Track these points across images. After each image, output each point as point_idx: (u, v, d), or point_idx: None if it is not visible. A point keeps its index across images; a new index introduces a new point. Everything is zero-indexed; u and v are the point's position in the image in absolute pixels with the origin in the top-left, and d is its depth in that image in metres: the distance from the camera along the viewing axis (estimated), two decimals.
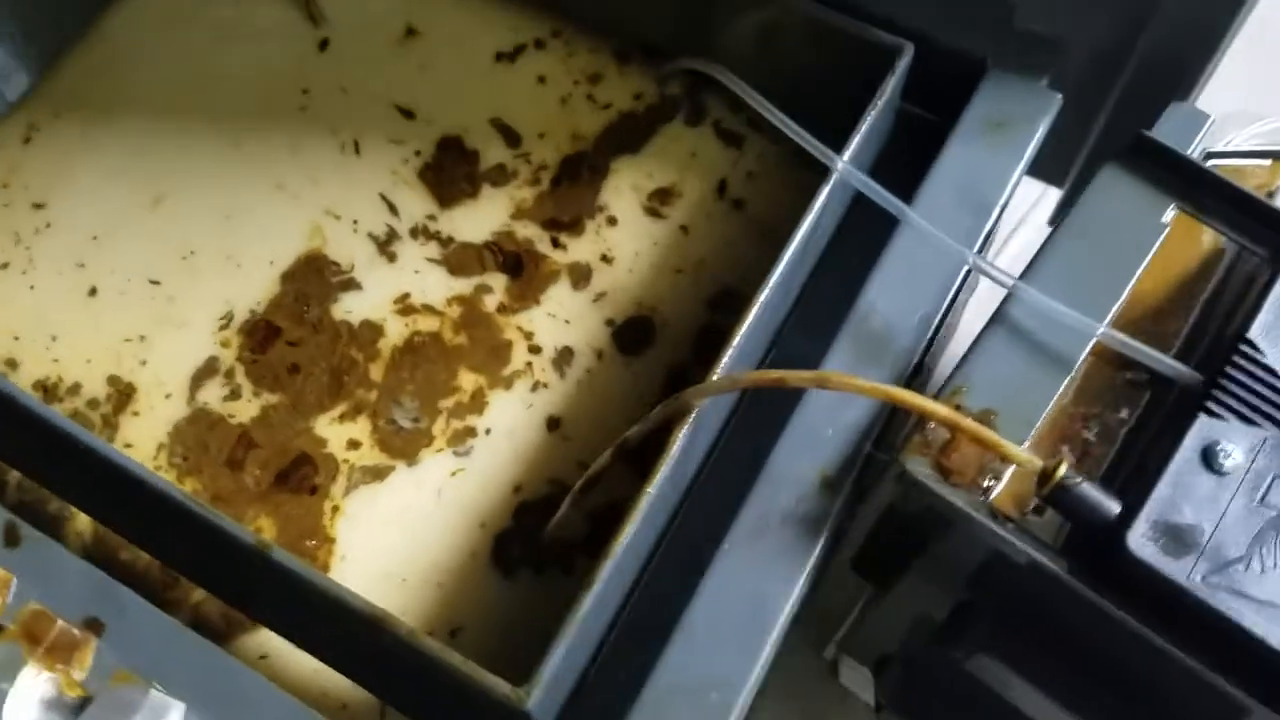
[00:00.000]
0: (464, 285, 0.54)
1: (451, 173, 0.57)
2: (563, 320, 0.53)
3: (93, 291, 0.54)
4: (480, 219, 0.56)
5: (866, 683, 0.83)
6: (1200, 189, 0.46)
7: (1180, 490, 0.38)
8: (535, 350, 0.53)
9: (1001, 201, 0.49)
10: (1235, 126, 0.55)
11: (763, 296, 0.45)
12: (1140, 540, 0.37)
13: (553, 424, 0.51)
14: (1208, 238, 0.48)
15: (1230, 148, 0.56)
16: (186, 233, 0.56)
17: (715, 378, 0.44)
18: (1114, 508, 0.38)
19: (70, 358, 0.53)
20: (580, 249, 0.55)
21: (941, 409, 0.40)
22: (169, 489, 0.41)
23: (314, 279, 0.54)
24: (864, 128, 0.48)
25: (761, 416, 0.47)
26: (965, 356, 0.43)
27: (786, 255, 0.46)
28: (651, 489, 0.41)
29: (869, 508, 0.47)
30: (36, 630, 0.37)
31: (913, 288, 0.47)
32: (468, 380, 0.52)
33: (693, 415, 0.43)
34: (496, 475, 0.50)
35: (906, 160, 0.52)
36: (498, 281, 0.54)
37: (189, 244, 0.55)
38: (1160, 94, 0.52)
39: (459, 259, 0.55)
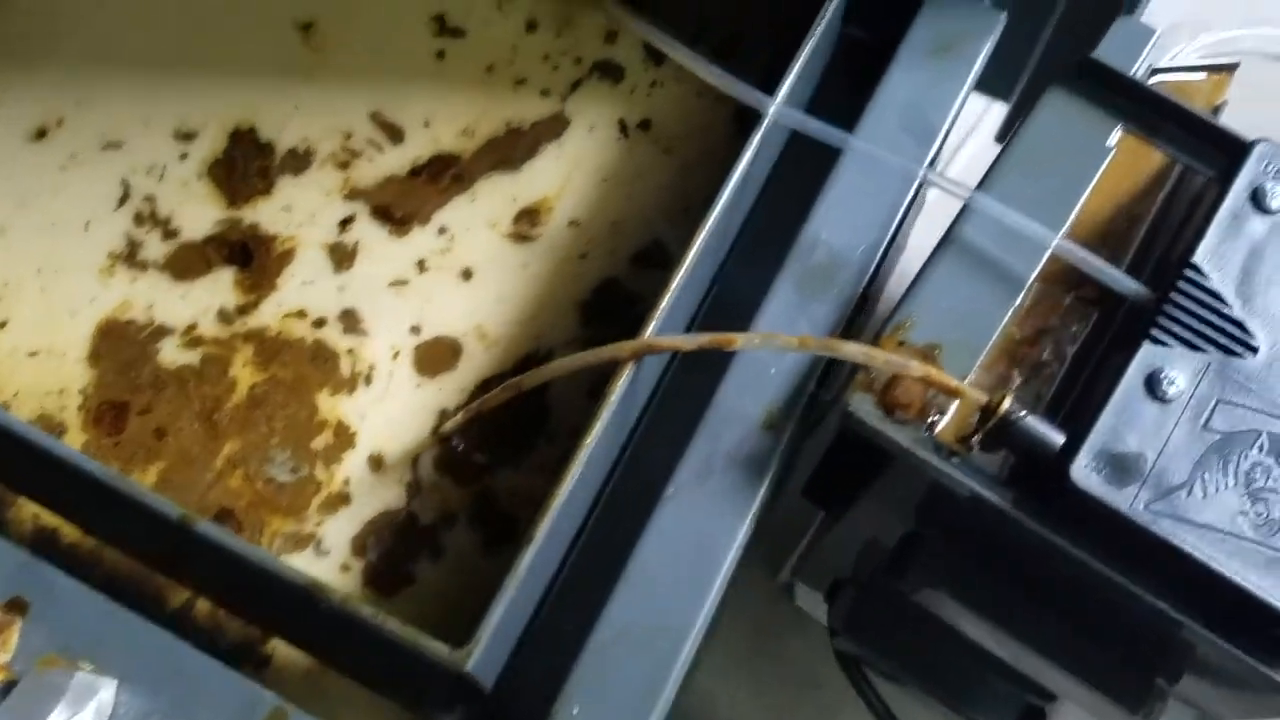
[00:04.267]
0: (200, 298, 0.50)
1: (244, 168, 0.52)
2: (333, 288, 0.50)
3: None
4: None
5: (821, 605, 0.84)
6: (1146, 110, 0.45)
7: (1124, 419, 0.37)
8: (319, 324, 0.49)
9: (946, 126, 0.48)
10: (1182, 39, 0.53)
11: (680, 274, 0.43)
12: (1084, 471, 0.37)
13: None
14: (1157, 155, 0.47)
15: (1176, 62, 0.55)
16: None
17: (651, 336, 0.42)
18: (1058, 439, 0.38)
19: None
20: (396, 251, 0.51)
21: (881, 355, 0.39)
22: (97, 469, 0.39)
23: (123, 347, 0.49)
24: (800, 61, 0.46)
25: (705, 358, 0.46)
26: (910, 290, 0.42)
27: (712, 216, 0.43)
28: (591, 441, 0.40)
29: (817, 441, 0.46)
30: None
31: (857, 218, 0.46)
32: (325, 405, 0.48)
33: (625, 373, 0.41)
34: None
35: (843, 82, 0.50)
36: (224, 277, 0.50)
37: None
38: (1106, 7, 0.50)
39: (182, 261, 0.50)
